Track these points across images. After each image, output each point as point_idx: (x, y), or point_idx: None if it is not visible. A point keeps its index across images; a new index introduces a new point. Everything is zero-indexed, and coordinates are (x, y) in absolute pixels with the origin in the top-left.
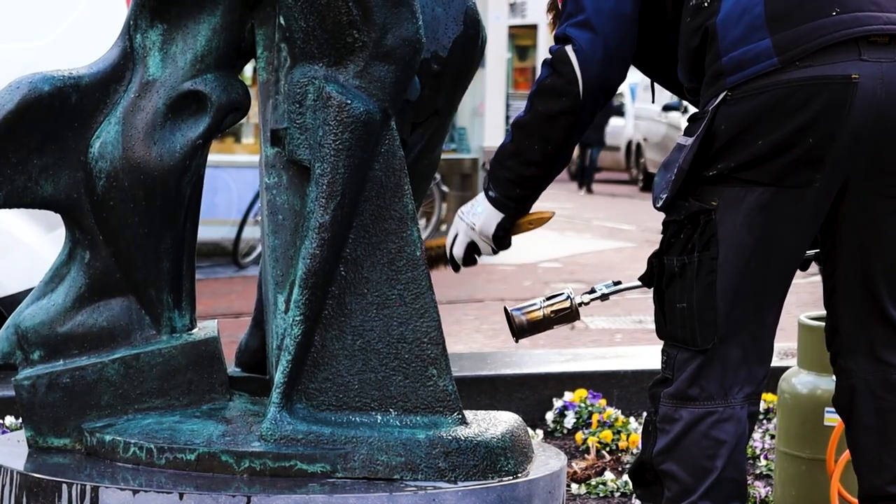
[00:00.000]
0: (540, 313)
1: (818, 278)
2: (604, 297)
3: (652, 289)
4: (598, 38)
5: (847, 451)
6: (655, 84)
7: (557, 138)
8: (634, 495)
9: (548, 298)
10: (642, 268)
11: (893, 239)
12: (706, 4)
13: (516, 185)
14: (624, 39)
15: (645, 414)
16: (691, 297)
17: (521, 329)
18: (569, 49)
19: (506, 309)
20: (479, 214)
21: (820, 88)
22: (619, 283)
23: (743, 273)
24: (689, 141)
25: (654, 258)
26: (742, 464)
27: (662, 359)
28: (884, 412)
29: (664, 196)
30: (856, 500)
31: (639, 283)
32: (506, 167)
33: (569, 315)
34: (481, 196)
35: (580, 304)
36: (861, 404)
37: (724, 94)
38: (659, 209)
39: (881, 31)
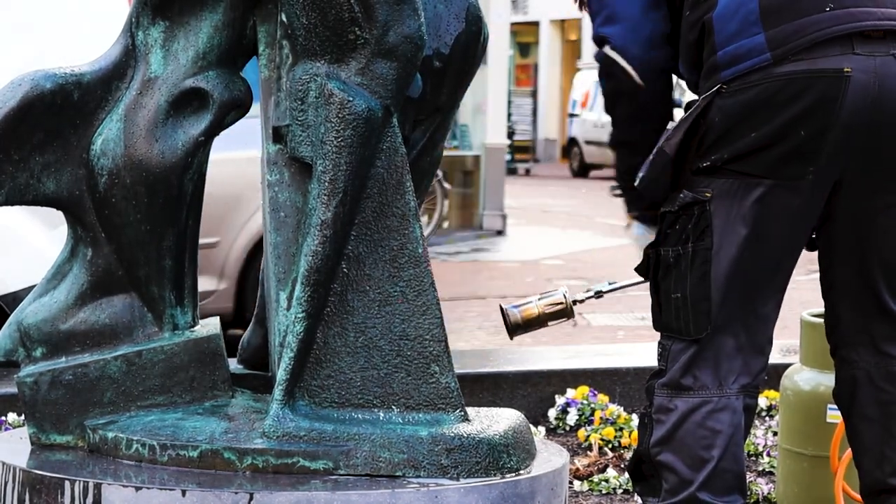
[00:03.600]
0: (535, 310)
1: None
2: (598, 294)
3: (649, 281)
4: (627, 24)
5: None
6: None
7: (636, 131)
8: (635, 492)
9: (542, 296)
10: None
11: (890, 233)
12: None
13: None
14: (650, 18)
15: (643, 409)
16: (685, 286)
17: (516, 326)
18: (607, 49)
19: (501, 307)
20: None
21: (812, 82)
22: (614, 283)
23: (737, 263)
24: (673, 126)
25: (651, 249)
26: (740, 456)
27: (658, 351)
28: (885, 404)
29: (641, 175)
30: (860, 497)
31: (639, 279)
32: (619, 177)
33: (563, 312)
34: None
35: (574, 302)
36: (862, 395)
37: (718, 87)
38: (637, 188)
39: (875, 26)
